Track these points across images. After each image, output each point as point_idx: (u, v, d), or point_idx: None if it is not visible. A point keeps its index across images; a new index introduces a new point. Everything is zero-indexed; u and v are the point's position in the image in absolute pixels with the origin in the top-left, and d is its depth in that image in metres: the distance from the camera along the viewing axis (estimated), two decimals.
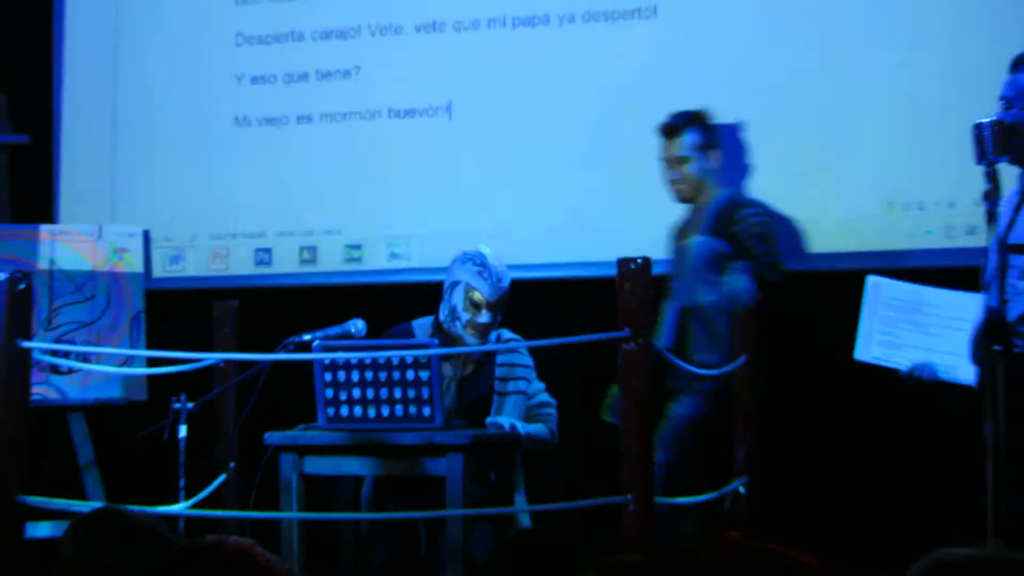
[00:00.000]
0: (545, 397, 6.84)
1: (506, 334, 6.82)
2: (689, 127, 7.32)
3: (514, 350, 6.84)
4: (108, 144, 8.46)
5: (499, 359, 6.78)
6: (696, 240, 7.27)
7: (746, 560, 1.84)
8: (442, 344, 6.66)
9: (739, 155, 7.73)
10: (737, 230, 7.20)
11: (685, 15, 7.92)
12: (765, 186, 7.70)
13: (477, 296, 6.64)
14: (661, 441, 7.06)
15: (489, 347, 6.77)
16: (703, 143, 7.36)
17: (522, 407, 6.74)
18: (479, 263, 6.69)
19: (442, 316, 6.76)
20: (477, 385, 6.72)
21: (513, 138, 8.00)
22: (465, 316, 6.66)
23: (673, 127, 7.31)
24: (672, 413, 7.18)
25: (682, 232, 7.39)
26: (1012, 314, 5.60)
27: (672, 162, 7.33)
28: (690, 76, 7.85)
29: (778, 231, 7.23)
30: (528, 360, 6.82)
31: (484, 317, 6.63)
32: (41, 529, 6.68)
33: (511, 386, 6.74)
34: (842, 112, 7.66)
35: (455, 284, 6.74)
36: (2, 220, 7.92)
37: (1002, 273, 5.67)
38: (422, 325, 6.83)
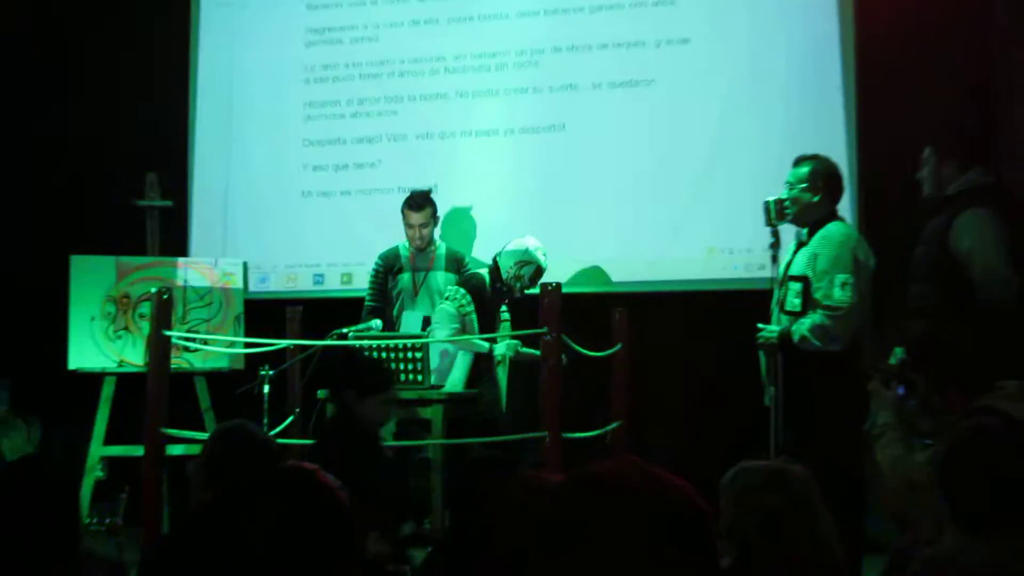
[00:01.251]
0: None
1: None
2: (430, 203, 7.29)
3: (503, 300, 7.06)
4: (221, 207, 8.43)
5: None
6: (442, 273, 7.28)
7: (641, 477, 1.84)
8: (498, 288, 6.91)
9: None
10: (461, 272, 7.27)
11: (581, 128, 7.93)
12: (635, 237, 7.73)
13: (539, 276, 6.83)
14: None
15: (455, 339, 6.79)
16: (435, 213, 7.33)
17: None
18: (544, 255, 6.95)
19: (507, 275, 6.90)
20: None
21: (477, 208, 8.00)
22: (527, 282, 6.87)
23: (422, 203, 7.26)
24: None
25: (408, 266, 7.37)
26: (795, 337, 5.69)
27: (418, 227, 7.23)
28: (585, 166, 7.89)
29: None
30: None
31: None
32: (176, 449, 6.66)
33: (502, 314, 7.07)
34: (684, 192, 7.70)
35: (530, 263, 6.92)
36: (154, 254, 7.90)
37: (783, 300, 5.77)
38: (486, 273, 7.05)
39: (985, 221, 5.60)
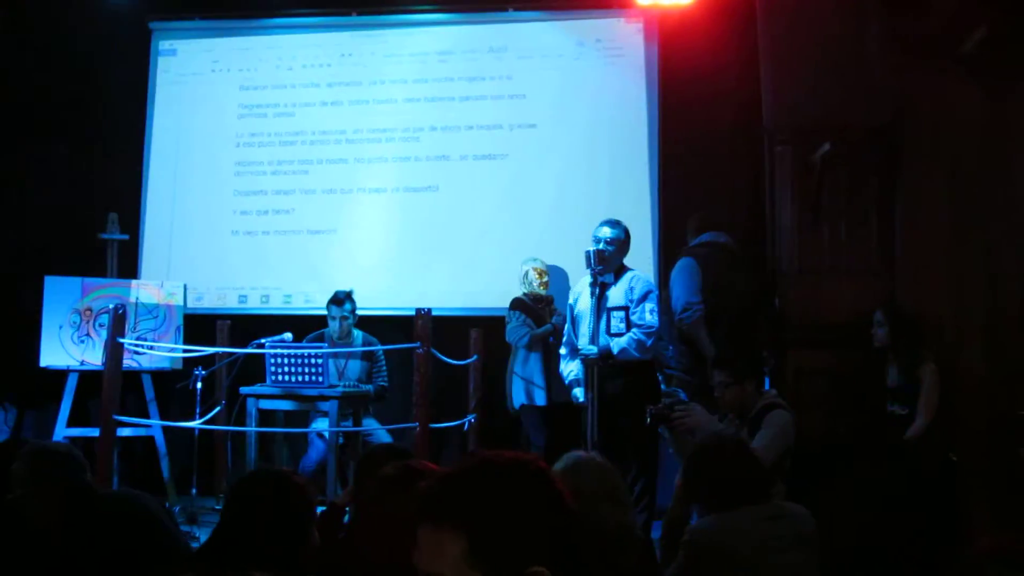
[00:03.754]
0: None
1: None
2: (349, 300, 6.97)
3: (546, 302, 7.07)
4: (167, 240, 8.27)
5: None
6: (358, 363, 7.06)
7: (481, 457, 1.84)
8: (540, 297, 6.99)
9: None
10: (374, 360, 7.10)
11: (452, 189, 7.96)
12: (491, 275, 7.68)
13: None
14: None
15: (363, 348, 6.79)
16: (354, 310, 7.01)
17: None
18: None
19: (539, 284, 7.05)
20: None
21: (368, 247, 7.99)
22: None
23: (343, 299, 6.94)
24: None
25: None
26: (616, 350, 5.85)
27: (339, 318, 6.87)
28: (454, 218, 7.92)
29: None
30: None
31: None
32: (124, 432, 6.58)
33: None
34: (527, 240, 7.68)
35: (546, 271, 7.14)
36: (112, 277, 7.78)
37: (607, 324, 5.91)
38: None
39: (685, 265, 6.22)
